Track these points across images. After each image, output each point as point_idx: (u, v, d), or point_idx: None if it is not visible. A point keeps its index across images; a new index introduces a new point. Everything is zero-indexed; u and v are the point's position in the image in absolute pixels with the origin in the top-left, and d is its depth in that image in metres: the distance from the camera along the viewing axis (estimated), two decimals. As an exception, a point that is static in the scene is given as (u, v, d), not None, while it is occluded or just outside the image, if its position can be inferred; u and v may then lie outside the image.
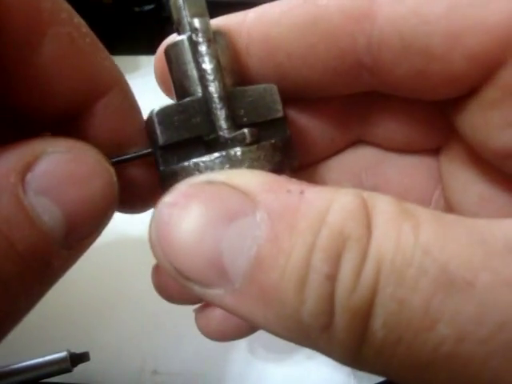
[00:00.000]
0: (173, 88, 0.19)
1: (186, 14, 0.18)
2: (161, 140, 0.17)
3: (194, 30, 0.17)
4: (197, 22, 0.17)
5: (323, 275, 0.12)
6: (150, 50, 0.21)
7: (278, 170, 0.17)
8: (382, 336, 0.12)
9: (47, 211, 0.14)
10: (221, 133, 0.17)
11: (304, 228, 0.13)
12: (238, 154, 0.16)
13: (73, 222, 0.15)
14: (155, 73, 0.21)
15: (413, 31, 0.16)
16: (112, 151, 0.18)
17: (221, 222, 0.13)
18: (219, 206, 0.13)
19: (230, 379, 0.37)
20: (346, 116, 0.22)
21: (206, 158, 0.17)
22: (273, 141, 0.18)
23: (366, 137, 0.23)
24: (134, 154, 0.18)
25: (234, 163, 0.16)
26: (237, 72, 0.19)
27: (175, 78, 0.18)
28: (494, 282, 0.12)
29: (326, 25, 0.18)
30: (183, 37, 0.18)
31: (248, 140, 0.17)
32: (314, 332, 0.13)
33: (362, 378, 0.36)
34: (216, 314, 0.23)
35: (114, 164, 0.17)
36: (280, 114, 0.19)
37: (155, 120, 0.17)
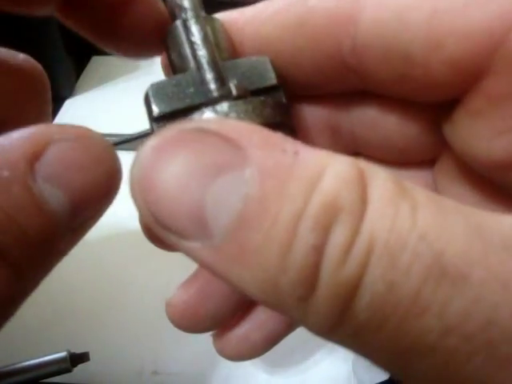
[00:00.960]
0: (171, 71, 0.19)
1: (176, 2, 0.19)
2: (155, 111, 0.17)
3: (183, 9, 0.18)
4: (186, 2, 0.18)
5: (310, 245, 0.12)
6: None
7: (269, 125, 0.16)
8: (365, 318, 0.12)
9: (54, 198, 0.14)
10: (210, 95, 0.17)
11: (295, 192, 0.12)
12: (225, 107, 0.16)
13: (77, 207, 0.15)
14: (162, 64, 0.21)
15: (394, 37, 0.16)
16: (145, 41, 0.19)
17: (207, 173, 0.13)
18: (208, 156, 0.13)
19: (230, 379, 0.37)
20: (336, 127, 0.22)
21: (194, 116, 0.17)
22: (262, 98, 0.17)
23: (361, 149, 0.23)
24: (135, 135, 0.18)
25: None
26: (231, 54, 0.19)
27: (172, 61, 0.19)
28: (488, 278, 0.12)
29: (312, 27, 0.18)
30: (177, 22, 0.19)
31: (234, 93, 0.17)
32: (291, 301, 0.12)
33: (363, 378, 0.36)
34: (232, 337, 0.23)
35: (117, 144, 0.17)
36: (274, 82, 0.19)
37: (150, 93, 0.17)
